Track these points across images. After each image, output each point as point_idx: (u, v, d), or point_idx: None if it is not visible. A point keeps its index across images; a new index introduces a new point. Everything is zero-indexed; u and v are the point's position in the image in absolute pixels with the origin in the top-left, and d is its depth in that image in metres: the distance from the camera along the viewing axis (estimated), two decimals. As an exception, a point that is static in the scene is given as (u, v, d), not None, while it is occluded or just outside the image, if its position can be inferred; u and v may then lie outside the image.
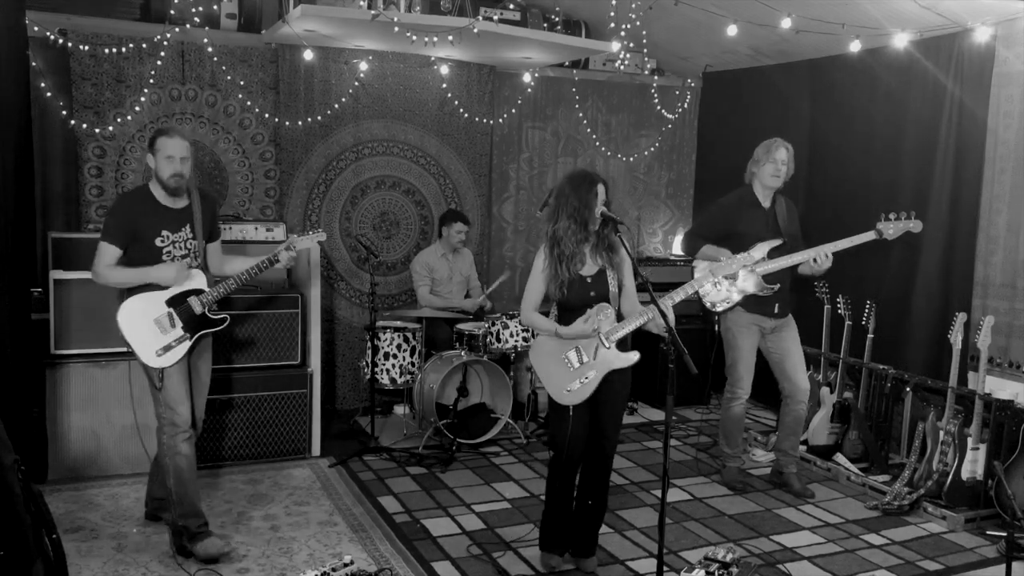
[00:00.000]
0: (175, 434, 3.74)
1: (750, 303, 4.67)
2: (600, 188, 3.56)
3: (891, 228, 4.49)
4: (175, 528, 3.81)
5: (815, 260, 4.49)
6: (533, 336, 5.48)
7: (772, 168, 4.63)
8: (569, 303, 3.59)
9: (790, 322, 4.80)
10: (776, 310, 4.69)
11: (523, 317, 3.70)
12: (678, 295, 3.58)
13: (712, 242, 4.68)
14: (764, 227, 4.67)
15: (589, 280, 3.59)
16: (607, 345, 3.52)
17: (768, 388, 5.01)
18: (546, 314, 3.69)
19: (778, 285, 4.62)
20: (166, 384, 3.72)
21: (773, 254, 4.59)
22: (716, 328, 4.94)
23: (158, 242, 3.73)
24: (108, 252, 3.70)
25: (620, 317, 3.60)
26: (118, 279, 3.73)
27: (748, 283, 4.64)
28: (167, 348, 3.74)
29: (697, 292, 4.09)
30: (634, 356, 3.57)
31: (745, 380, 4.78)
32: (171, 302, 3.76)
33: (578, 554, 3.79)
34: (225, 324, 3.91)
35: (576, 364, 3.55)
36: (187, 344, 3.78)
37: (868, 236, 4.51)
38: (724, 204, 4.81)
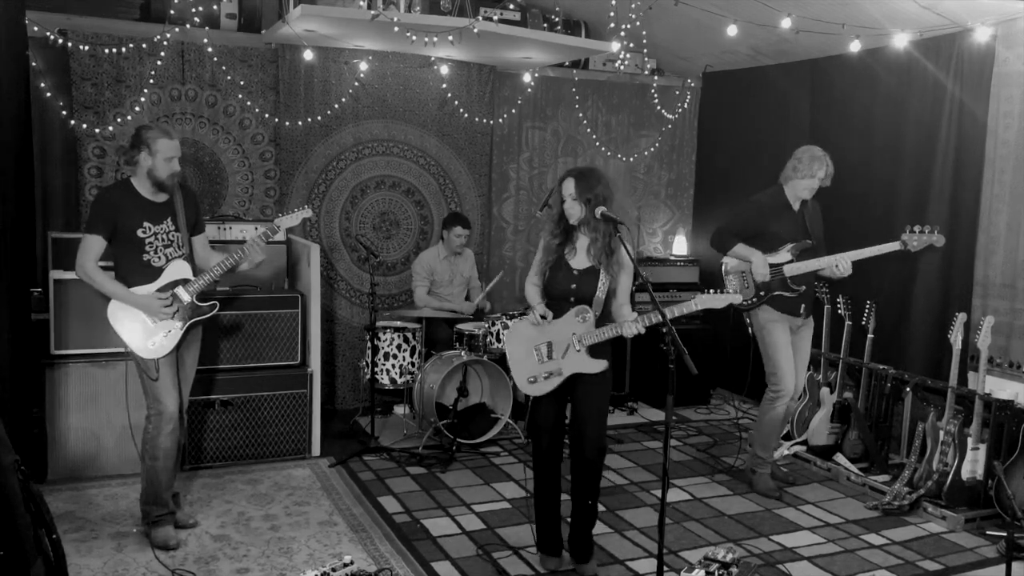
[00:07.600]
0: (159, 424, 3.85)
1: (777, 303, 4.67)
2: (566, 182, 3.57)
3: (915, 240, 4.45)
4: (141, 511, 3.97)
5: (837, 266, 4.50)
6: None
7: (811, 183, 4.59)
8: (550, 290, 3.63)
9: (810, 323, 4.86)
10: (802, 310, 4.72)
11: (526, 284, 3.78)
12: (678, 310, 3.46)
13: (744, 240, 4.68)
14: (795, 228, 4.66)
15: (576, 273, 3.59)
16: (578, 348, 3.53)
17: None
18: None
19: (804, 287, 4.65)
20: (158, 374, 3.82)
21: (803, 256, 4.59)
22: (748, 329, 4.92)
23: (140, 233, 3.79)
24: (95, 243, 3.75)
25: (601, 322, 3.57)
26: (101, 286, 3.77)
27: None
28: (159, 339, 3.82)
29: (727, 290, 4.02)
30: (601, 364, 3.55)
31: (789, 376, 4.72)
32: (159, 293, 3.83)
33: (575, 558, 3.77)
34: (215, 311, 3.99)
35: (545, 358, 3.59)
36: (178, 334, 3.87)
37: (893, 246, 4.46)
38: (759, 203, 4.75)
